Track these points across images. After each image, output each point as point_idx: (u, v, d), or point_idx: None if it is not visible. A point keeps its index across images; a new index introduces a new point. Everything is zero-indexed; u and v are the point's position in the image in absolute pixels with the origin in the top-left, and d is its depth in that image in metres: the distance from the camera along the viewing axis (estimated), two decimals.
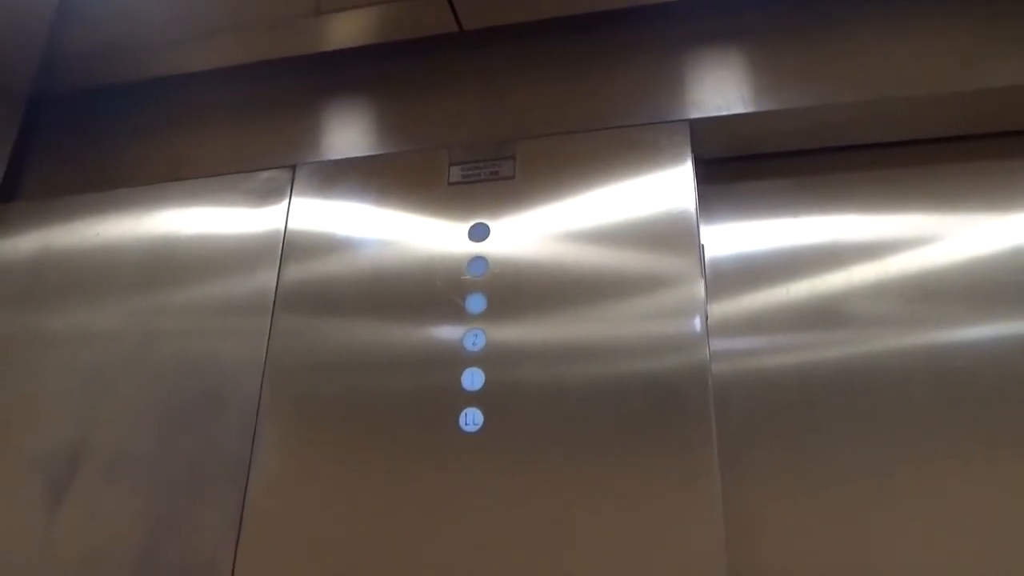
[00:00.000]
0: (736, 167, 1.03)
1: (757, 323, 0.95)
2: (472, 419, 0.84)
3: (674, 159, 0.95)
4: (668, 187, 0.93)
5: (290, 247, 1.02)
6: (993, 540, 0.79)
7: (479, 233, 0.95)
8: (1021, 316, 0.88)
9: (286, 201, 1.05)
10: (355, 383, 0.90)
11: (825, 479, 0.85)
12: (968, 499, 0.81)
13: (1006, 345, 0.87)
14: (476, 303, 0.91)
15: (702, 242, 0.90)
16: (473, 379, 0.86)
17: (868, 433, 0.86)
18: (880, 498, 0.83)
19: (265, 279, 1.00)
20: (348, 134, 1.09)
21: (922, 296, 0.92)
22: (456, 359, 0.88)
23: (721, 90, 0.99)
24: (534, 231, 0.94)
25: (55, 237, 1.13)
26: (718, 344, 0.93)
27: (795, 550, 0.82)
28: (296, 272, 0.99)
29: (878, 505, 0.82)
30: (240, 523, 0.86)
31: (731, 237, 1.00)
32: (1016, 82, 0.91)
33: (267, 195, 1.07)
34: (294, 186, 1.06)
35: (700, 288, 0.86)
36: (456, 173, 1.00)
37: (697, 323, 0.84)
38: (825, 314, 0.93)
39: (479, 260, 0.93)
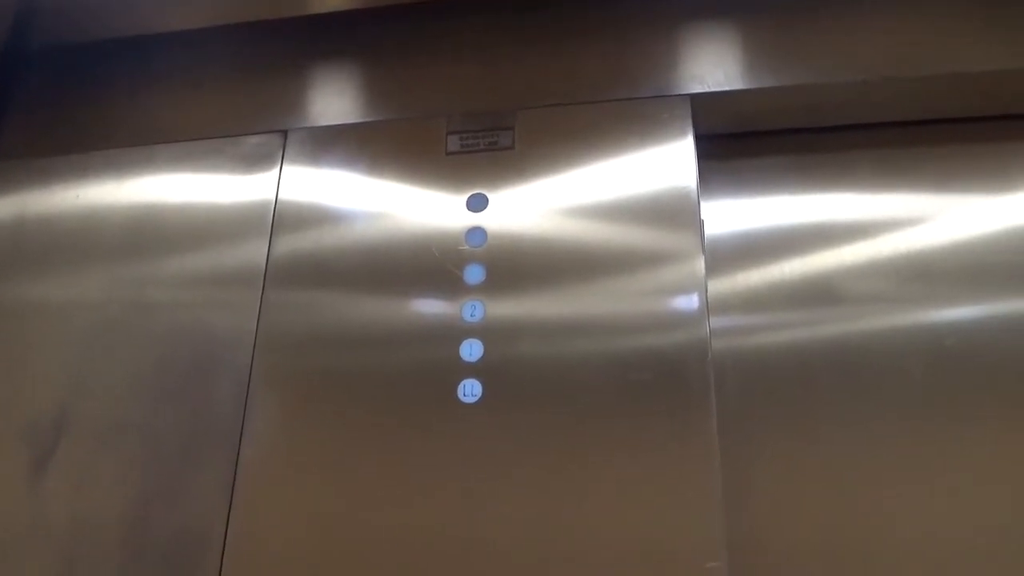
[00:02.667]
0: (735, 144, 1.02)
1: (753, 300, 0.95)
2: (471, 390, 0.83)
3: (675, 134, 0.94)
4: (669, 162, 0.92)
5: (281, 216, 0.99)
6: (983, 512, 0.81)
7: (477, 203, 0.94)
8: (1010, 296, 0.90)
9: (277, 168, 1.02)
10: (351, 352, 0.89)
11: (820, 452, 0.86)
12: (958, 472, 0.83)
13: (995, 324, 0.89)
14: (474, 274, 0.89)
15: (702, 218, 0.90)
16: (472, 350, 0.85)
17: (861, 408, 0.87)
18: (872, 470, 0.84)
19: (256, 248, 0.98)
20: (342, 99, 1.06)
21: (914, 275, 0.93)
22: (454, 330, 0.87)
23: (722, 65, 0.98)
24: (533, 203, 0.93)
25: (33, 200, 1.09)
26: (714, 321, 0.93)
27: (791, 520, 0.83)
28: (288, 241, 0.97)
29: (871, 476, 0.84)
30: (232, 493, 0.84)
31: (728, 214, 1.00)
32: (1013, 65, 0.92)
33: (257, 161, 1.04)
34: (285, 152, 1.03)
35: (700, 264, 0.86)
36: (454, 142, 0.98)
37: (697, 299, 0.84)
38: (819, 292, 0.94)
39: (477, 231, 0.92)
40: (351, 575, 0.79)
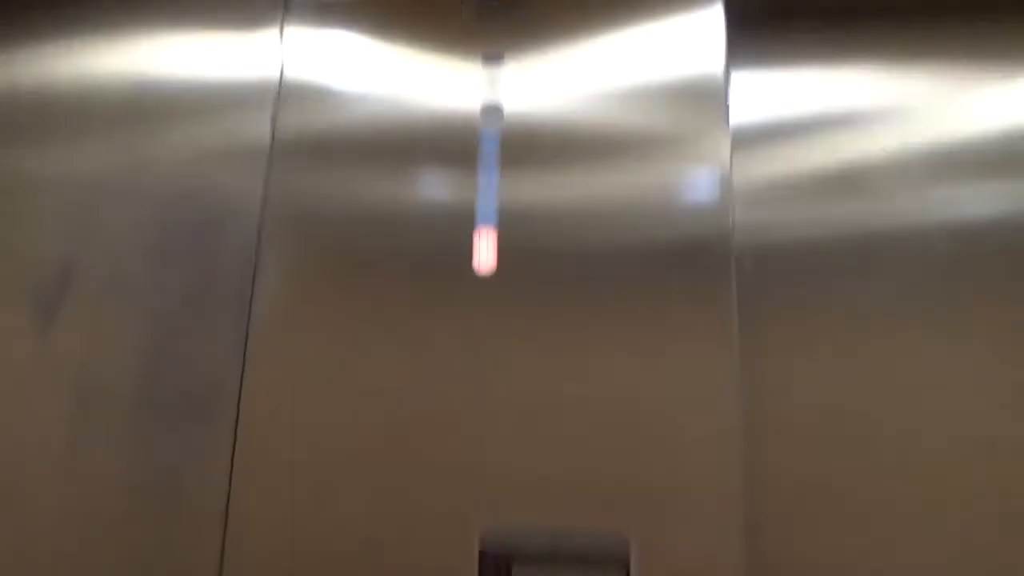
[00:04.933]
0: (765, 12, 0.96)
1: (778, 183, 0.91)
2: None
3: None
4: (696, 32, 0.87)
5: (287, 79, 0.94)
6: (1003, 396, 0.81)
7: (493, 66, 0.89)
8: None
9: (278, 26, 0.96)
10: (362, 219, 0.86)
11: (840, 340, 0.84)
12: (979, 363, 0.82)
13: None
14: (490, 144, 0.86)
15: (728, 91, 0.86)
16: None
17: (883, 295, 0.85)
18: (891, 357, 0.83)
19: (261, 109, 0.93)
20: None
21: (942, 163, 0.89)
22: (469, 204, 0.84)
23: None
24: (552, 71, 0.88)
25: (22, 62, 1.02)
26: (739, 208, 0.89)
27: (806, 407, 0.82)
28: (294, 107, 0.92)
29: (888, 364, 0.83)
30: (245, 348, 0.83)
31: (755, 91, 0.95)
32: None
33: (259, 18, 0.97)
34: (288, 10, 0.97)
35: (726, 147, 0.83)
36: (470, 4, 0.92)
37: (720, 181, 0.82)
38: (846, 180, 0.91)
39: (493, 97, 0.88)
40: (364, 428, 0.79)
